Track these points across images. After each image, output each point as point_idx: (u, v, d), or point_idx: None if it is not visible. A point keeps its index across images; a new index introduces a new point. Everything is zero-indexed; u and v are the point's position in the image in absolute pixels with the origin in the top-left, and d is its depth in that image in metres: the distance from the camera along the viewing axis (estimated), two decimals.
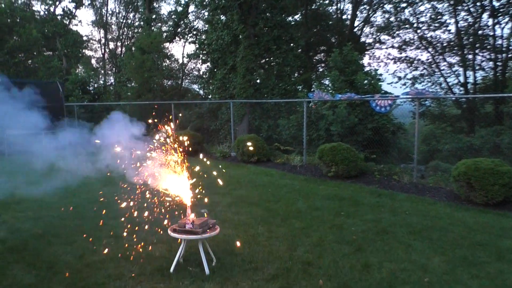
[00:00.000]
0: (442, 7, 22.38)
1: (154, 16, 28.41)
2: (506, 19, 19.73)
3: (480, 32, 21.10)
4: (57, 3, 31.68)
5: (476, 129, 18.14)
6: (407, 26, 24.22)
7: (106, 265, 4.57)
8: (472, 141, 14.30)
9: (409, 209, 6.93)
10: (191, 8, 26.60)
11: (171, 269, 4.38)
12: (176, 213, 5.39)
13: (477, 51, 21.40)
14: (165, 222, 4.95)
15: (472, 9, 21.21)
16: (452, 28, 22.58)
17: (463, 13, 21.75)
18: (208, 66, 21.41)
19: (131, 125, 5.38)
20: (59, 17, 31.56)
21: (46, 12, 31.80)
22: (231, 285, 4.09)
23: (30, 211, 6.82)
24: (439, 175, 9.16)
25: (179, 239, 4.50)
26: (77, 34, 31.79)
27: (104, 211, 6.19)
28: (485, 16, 20.80)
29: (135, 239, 5.34)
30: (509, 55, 19.60)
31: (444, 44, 22.87)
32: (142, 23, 27.76)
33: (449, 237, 5.52)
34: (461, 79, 22.17)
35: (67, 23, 32.10)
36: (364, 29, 27.84)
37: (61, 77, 25.13)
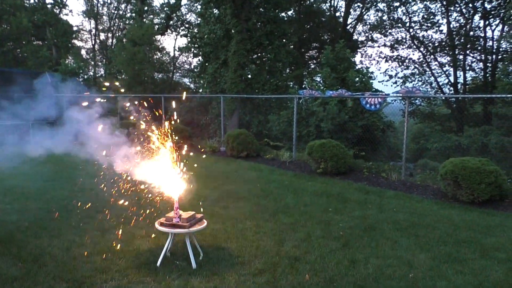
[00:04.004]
0: (435, 7, 22.56)
1: (146, 8, 28.13)
2: (497, 21, 19.97)
3: (471, 33, 21.30)
4: None
5: (465, 129, 18.35)
6: (399, 25, 24.35)
7: (93, 258, 4.54)
8: (460, 140, 14.46)
9: (397, 206, 7.00)
10: (184, 0, 26.44)
11: (158, 263, 4.36)
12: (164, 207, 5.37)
13: (468, 52, 21.61)
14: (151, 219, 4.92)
15: (464, 10, 21.40)
16: (444, 28, 22.91)
17: (455, 14, 21.96)
18: (199, 60, 21.30)
19: None
20: (49, 6, 31.07)
21: (36, 1, 31.28)
22: (218, 279, 4.09)
23: (16, 203, 6.73)
24: (426, 173, 9.26)
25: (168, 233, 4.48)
26: (67, 24, 31.33)
27: (91, 204, 6.16)
28: (476, 17, 21.05)
29: (122, 233, 5.32)
30: (499, 57, 19.81)
31: (436, 44, 23.06)
32: (134, 14, 27.48)
33: (435, 234, 5.58)
34: (452, 79, 22.40)
35: (58, 12, 31.62)
36: (357, 27, 27.96)
37: (50, 67, 24.78)
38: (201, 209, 5.72)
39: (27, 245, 4.89)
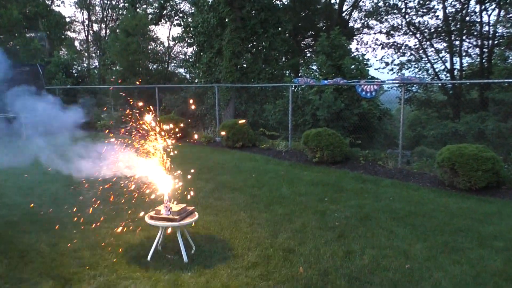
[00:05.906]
0: None
1: None
2: (493, 6, 19.72)
3: (467, 18, 21.08)
4: None
5: (461, 115, 18.25)
6: (395, 11, 24.05)
7: (81, 253, 4.43)
8: (457, 127, 14.36)
9: (393, 195, 6.90)
10: None
11: (149, 257, 4.26)
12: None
13: (464, 37, 21.41)
14: (141, 213, 4.81)
15: None
16: (440, 14, 22.52)
17: None
18: (194, 49, 21.00)
19: None
20: None
21: None
22: (210, 273, 3.99)
23: (6, 198, 6.60)
24: (423, 160, 9.17)
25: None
26: (59, 15, 30.89)
27: (81, 198, 6.05)
28: (472, 2, 20.78)
29: (112, 227, 5.21)
30: (495, 42, 19.62)
31: (432, 30, 22.83)
32: (127, 4, 27.06)
33: (432, 223, 5.50)
34: (448, 65, 22.24)
35: (49, 3, 31.16)
36: (353, 13, 27.62)
37: (43, 60, 24.46)
38: (195, 201, 5.61)
39: (14, 240, 4.77)
